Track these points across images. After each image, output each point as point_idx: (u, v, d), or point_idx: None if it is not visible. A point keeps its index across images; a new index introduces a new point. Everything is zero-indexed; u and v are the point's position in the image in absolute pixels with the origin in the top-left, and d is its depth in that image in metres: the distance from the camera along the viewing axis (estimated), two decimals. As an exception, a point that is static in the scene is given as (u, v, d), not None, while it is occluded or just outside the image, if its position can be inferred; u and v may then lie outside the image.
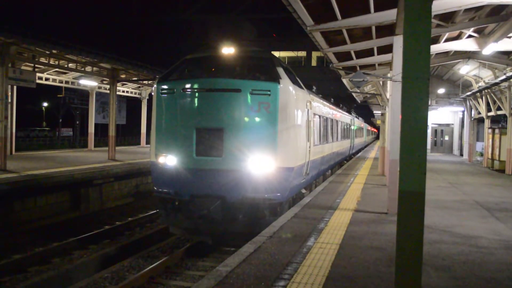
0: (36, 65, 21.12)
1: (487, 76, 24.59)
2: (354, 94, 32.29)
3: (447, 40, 16.07)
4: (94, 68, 22.45)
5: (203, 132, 10.43)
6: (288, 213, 10.55)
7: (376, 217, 10.40)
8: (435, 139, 40.85)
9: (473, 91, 26.43)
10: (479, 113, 28.38)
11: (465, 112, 32.96)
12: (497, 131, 24.40)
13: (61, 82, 26.74)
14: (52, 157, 22.21)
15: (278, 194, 10.45)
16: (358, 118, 39.87)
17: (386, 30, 13.58)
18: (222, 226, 10.45)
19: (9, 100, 19.16)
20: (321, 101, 16.62)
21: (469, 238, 8.63)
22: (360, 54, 17.61)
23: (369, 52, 17.31)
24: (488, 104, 25.93)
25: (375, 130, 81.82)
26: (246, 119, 10.25)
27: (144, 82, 27.81)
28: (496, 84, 21.36)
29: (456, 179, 18.85)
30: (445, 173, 21.31)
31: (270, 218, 10.31)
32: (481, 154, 31.78)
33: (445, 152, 39.98)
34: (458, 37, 16.34)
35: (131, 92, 33.23)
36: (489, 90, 23.80)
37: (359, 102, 38.36)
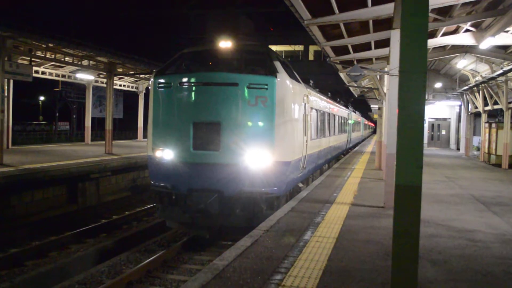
0: (33, 59, 21.04)
1: (484, 70, 24.59)
2: (351, 88, 32.29)
3: (444, 34, 16.07)
4: (91, 62, 22.35)
5: (200, 126, 10.43)
6: (285, 207, 10.56)
7: (373, 211, 10.42)
8: (432, 133, 40.89)
9: (470, 85, 26.44)
10: (476, 107, 28.42)
11: (462, 107, 33.01)
12: (494, 125, 24.45)
13: (57, 75, 26.61)
14: (49, 151, 22.16)
15: (275, 188, 10.47)
16: (355, 112, 39.89)
17: (384, 24, 13.57)
18: (219, 220, 10.46)
19: (6, 94, 19.08)
20: (318, 95, 16.61)
21: (465, 232, 8.66)
22: (358, 48, 17.60)
23: (366, 46, 17.30)
24: (485, 99, 25.95)
25: (373, 124, 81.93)
26: (243, 113, 10.24)
27: (141, 76, 27.74)
28: (493, 78, 21.38)
29: (452, 173, 18.89)
30: (442, 167, 21.36)
31: (267, 212, 10.32)
32: (478, 149, 31.87)
33: (442, 146, 40.04)
34: (455, 31, 16.34)
35: (128, 86, 33.14)
36: (486, 84, 23.82)
37: (356, 96, 38.39)
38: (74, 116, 54.22)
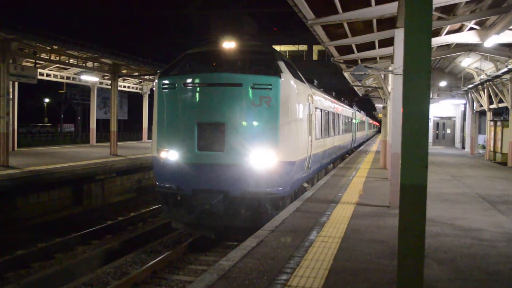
0: (37, 61, 21.11)
1: (489, 68, 24.52)
2: (355, 88, 32.25)
3: (448, 32, 16.02)
4: (95, 64, 22.45)
5: (204, 126, 10.44)
6: (290, 207, 10.55)
7: (378, 211, 10.40)
8: (437, 132, 40.78)
9: (474, 83, 26.37)
10: (481, 105, 28.33)
11: (467, 105, 32.91)
12: (499, 123, 24.35)
13: (62, 78, 26.72)
14: (54, 153, 22.24)
15: (280, 188, 10.46)
16: (359, 112, 39.82)
17: (387, 23, 13.54)
18: (224, 220, 10.47)
19: (11, 97, 19.17)
20: (323, 94, 16.60)
21: (471, 230, 8.63)
22: (361, 47, 17.56)
23: (370, 46, 17.26)
24: (490, 97, 25.88)
25: (377, 123, 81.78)
26: (248, 113, 10.24)
27: (146, 77, 27.80)
28: (498, 76, 21.31)
29: (458, 172, 18.83)
30: (447, 166, 21.29)
31: (272, 212, 10.33)
32: (483, 147, 31.74)
33: (447, 145, 39.94)
34: (459, 30, 16.28)
35: (133, 87, 33.22)
36: (491, 82, 23.75)
37: (361, 95, 38.33)
38: (79, 118, 54.37)
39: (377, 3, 11.92)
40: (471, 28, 15.49)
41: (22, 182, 13.39)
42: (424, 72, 4.45)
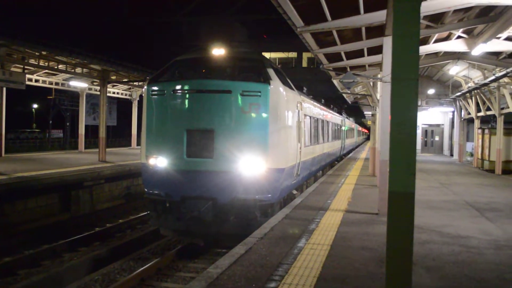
0: (26, 67, 20.99)
1: (477, 76, 24.75)
2: (344, 95, 32.39)
3: (436, 41, 16.16)
4: (84, 70, 22.35)
5: (193, 133, 10.41)
6: (279, 214, 10.54)
7: (367, 218, 10.42)
8: (426, 139, 41.01)
9: (462, 91, 26.59)
10: (469, 113, 28.56)
11: (455, 113, 33.16)
12: (486, 131, 24.55)
13: (51, 83, 26.56)
14: (42, 159, 22.05)
15: (269, 195, 10.45)
16: (348, 119, 39.98)
17: (376, 31, 13.62)
18: (213, 227, 10.43)
19: (-2, 102, 19.02)
20: (312, 102, 16.65)
21: (459, 238, 8.67)
22: (351, 55, 17.65)
23: (359, 53, 17.35)
24: (477, 105, 26.10)
25: (366, 130, 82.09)
26: (237, 120, 10.24)
27: (135, 83, 27.74)
28: (486, 84, 21.52)
29: (446, 180, 18.94)
30: (436, 174, 21.40)
31: (261, 219, 10.30)
32: (471, 154, 31.99)
33: (435, 152, 40.17)
34: (447, 38, 16.43)
35: (122, 94, 33.08)
36: (478, 90, 23.96)
37: (350, 103, 38.49)
38: (68, 124, 53.99)
39: (366, 11, 11.99)
40: (459, 37, 15.64)
41: (9, 188, 13.25)
42: (412, 80, 4.48)
